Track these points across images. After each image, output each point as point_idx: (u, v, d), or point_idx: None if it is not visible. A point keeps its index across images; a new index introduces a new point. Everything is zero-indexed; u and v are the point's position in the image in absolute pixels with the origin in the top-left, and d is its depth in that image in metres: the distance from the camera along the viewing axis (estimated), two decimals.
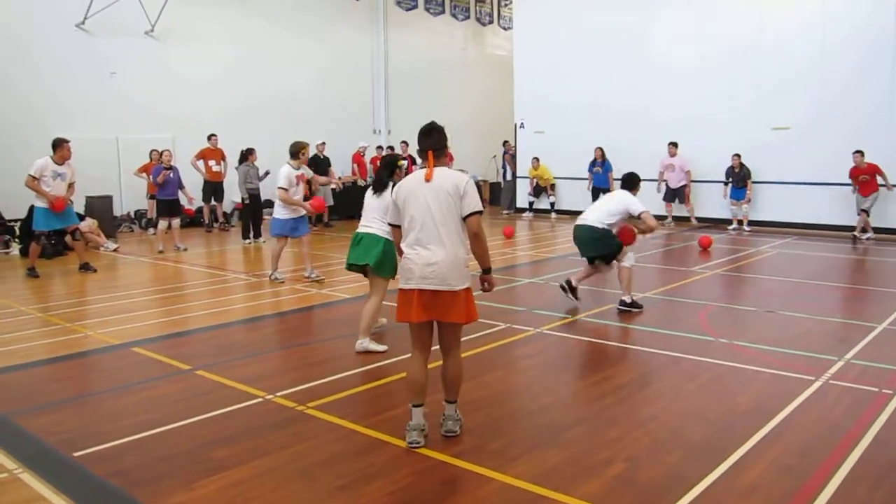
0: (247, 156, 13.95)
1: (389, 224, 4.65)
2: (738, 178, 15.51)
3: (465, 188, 4.28)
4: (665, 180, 16.64)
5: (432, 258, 4.19)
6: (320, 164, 15.82)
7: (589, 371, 5.86)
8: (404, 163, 6.46)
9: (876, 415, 4.72)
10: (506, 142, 20.90)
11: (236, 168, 14.20)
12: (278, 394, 5.20)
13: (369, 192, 6.48)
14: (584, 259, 8.25)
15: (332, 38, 19.82)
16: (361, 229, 6.41)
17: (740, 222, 15.79)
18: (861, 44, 14.38)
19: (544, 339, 6.78)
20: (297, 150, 9.54)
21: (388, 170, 6.36)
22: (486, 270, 4.44)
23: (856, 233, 13.95)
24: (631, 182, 7.98)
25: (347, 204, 16.69)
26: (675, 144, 16.43)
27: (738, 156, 15.42)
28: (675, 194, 16.67)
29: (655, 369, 5.84)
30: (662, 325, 7.28)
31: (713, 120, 16.21)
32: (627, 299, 7.87)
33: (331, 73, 19.65)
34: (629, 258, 7.89)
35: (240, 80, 17.55)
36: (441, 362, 4.46)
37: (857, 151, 13.85)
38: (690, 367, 5.89)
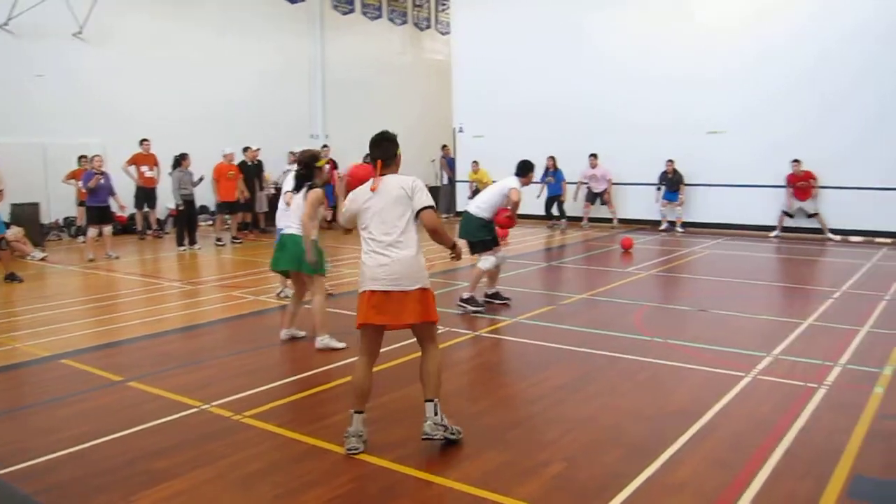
0: (180, 161, 13.68)
1: (342, 224, 4.64)
2: (672, 183, 15.96)
3: (412, 186, 4.39)
4: (588, 185, 17.20)
5: (383, 260, 4.27)
6: (249, 171, 15.56)
7: (527, 373, 5.92)
8: (324, 161, 6.50)
9: (802, 408, 4.89)
10: (444, 146, 20.98)
11: (170, 174, 13.92)
12: (214, 403, 5.11)
13: (291, 192, 6.52)
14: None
15: (268, 42, 19.59)
16: (285, 231, 6.45)
17: (672, 223, 16.21)
18: (794, 52, 14.87)
19: (483, 343, 6.83)
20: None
21: (307, 168, 6.40)
22: (452, 246, 4.62)
23: (827, 234, 14.56)
24: (523, 168, 8.18)
25: None
26: (595, 156, 16.89)
27: (672, 161, 15.87)
28: (597, 196, 17.18)
29: (593, 370, 5.93)
30: (599, 325, 7.40)
31: (650, 121, 16.53)
32: (466, 295, 8.05)
33: (267, 78, 19.42)
34: (488, 261, 8.06)
35: (173, 83, 17.21)
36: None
37: (795, 160, 14.45)
38: (626, 366, 6.00)
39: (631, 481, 3.82)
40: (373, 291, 4.27)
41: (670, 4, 16.51)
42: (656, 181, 16.35)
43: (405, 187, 4.37)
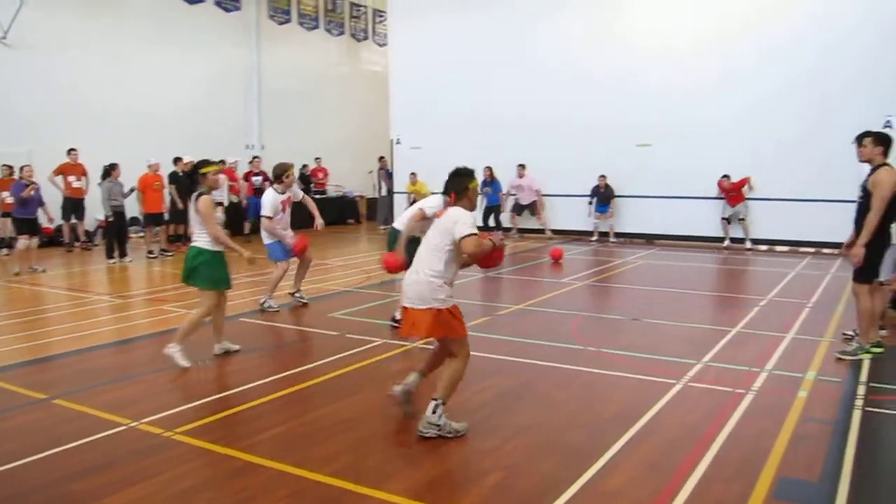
0: (110, 171, 13.31)
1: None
2: (603, 198, 16.31)
3: (455, 216, 4.66)
4: (516, 197, 17.56)
5: (408, 279, 4.77)
6: (181, 182, 15.21)
7: (465, 384, 5.90)
8: (213, 168, 6.44)
9: (730, 413, 5.03)
10: (381, 158, 20.94)
11: (99, 184, 13.53)
12: (144, 420, 4.97)
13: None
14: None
15: (202, 52, 19.25)
16: (193, 243, 6.49)
17: (603, 234, 16.54)
18: (709, 66, 15.37)
19: (420, 354, 6.80)
20: (281, 173, 8.66)
21: (193, 175, 6.52)
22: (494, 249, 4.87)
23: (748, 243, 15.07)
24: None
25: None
26: (523, 166, 17.33)
27: (604, 177, 16.22)
28: (525, 208, 17.51)
29: (530, 379, 5.98)
30: (535, 335, 7.48)
31: (583, 132, 16.78)
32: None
33: (202, 87, 19.08)
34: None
35: (103, 91, 16.75)
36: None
37: (724, 176, 15.02)
38: (563, 375, 6.07)
39: (568, 488, 3.87)
40: (405, 306, 4.76)
41: (601, 20, 16.85)
42: (588, 194, 16.61)
43: (451, 215, 4.71)
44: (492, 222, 17.54)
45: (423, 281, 4.64)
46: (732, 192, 15.08)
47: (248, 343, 6.83)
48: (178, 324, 8.11)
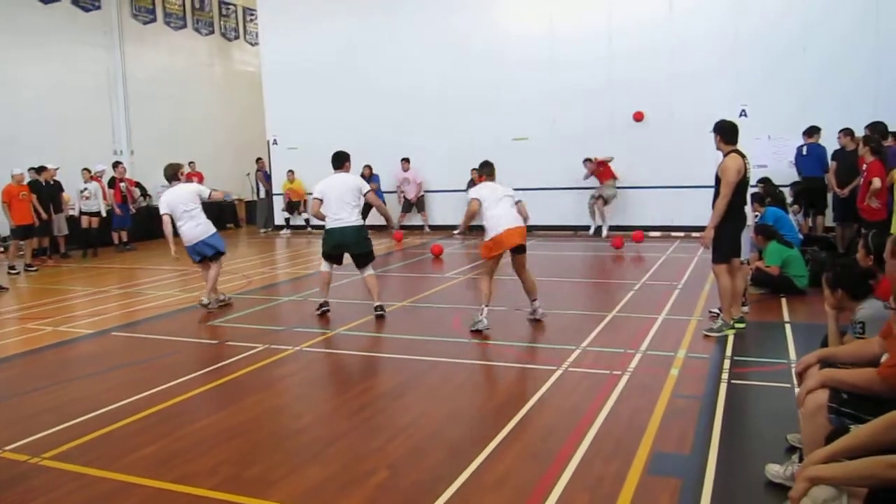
0: None
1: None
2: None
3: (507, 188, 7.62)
4: (403, 192, 17.67)
5: (511, 221, 7.39)
6: (43, 192, 14.37)
7: (349, 384, 5.89)
8: None
9: (608, 395, 5.20)
10: (259, 159, 20.49)
11: None
12: (7, 448, 4.65)
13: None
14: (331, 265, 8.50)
15: (61, 54, 18.11)
16: None
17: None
18: (582, 59, 15.88)
19: (304, 357, 6.71)
20: (174, 173, 9.16)
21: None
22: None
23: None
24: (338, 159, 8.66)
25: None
26: (407, 160, 17.47)
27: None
28: (412, 205, 17.64)
29: (413, 376, 5.99)
30: (419, 331, 7.51)
31: (459, 129, 16.97)
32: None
33: (63, 91, 17.96)
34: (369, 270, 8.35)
35: None
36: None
37: (587, 159, 15.38)
38: (446, 369, 6.12)
39: (452, 483, 3.89)
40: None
41: (474, 18, 17.09)
42: (465, 188, 16.71)
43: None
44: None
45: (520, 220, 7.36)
46: (600, 168, 15.34)
47: (121, 358, 6.50)
48: (45, 342, 7.68)
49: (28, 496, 3.97)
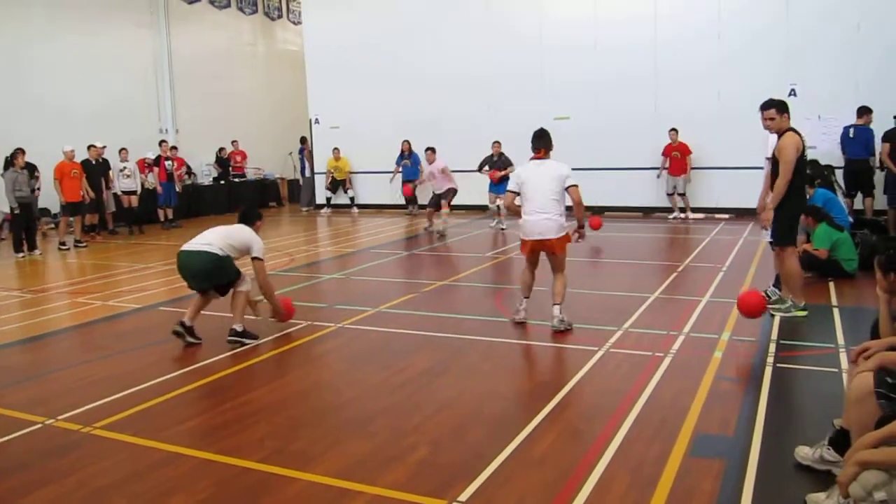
0: (12, 160, 12.70)
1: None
2: (500, 166, 14.62)
3: (565, 169, 6.60)
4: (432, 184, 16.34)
5: (537, 219, 6.54)
6: (92, 170, 14.67)
7: (391, 361, 5.92)
8: None
9: (650, 376, 5.17)
10: (303, 138, 20.63)
11: (1, 175, 12.91)
12: (60, 417, 4.80)
13: None
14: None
15: (107, 34, 18.40)
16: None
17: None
18: (629, 42, 15.63)
19: (346, 334, 6.78)
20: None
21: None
22: (581, 225, 6.85)
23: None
24: (249, 217, 6.89)
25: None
26: (433, 150, 14.50)
27: (498, 143, 14.93)
28: (440, 198, 14.56)
29: (454, 353, 6.02)
30: (459, 310, 7.53)
31: (502, 113, 16.82)
32: (239, 328, 6.50)
33: (109, 71, 18.23)
34: (246, 283, 6.71)
35: (2, 79, 15.89)
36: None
37: (673, 129, 14.90)
38: (487, 348, 6.13)
39: (493, 460, 3.91)
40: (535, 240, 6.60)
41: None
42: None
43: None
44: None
45: (554, 219, 6.49)
46: (675, 153, 14.95)
47: (167, 333, 6.62)
48: (95, 316, 7.87)
49: (81, 464, 4.09)
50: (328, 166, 19.16)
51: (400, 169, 17.44)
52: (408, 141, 17.31)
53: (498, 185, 14.09)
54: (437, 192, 13.84)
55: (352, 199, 19.11)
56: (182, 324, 6.45)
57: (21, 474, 3.98)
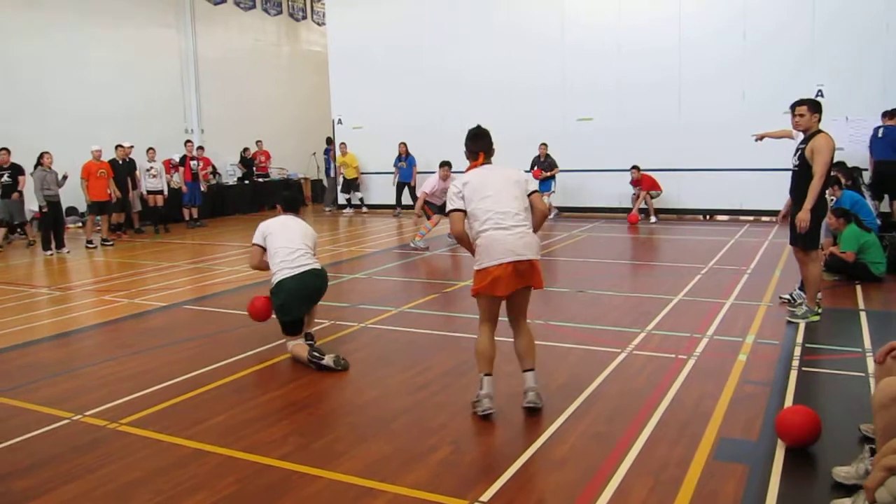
0: (40, 160, 12.89)
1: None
2: (546, 166, 15.86)
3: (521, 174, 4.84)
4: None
5: (513, 236, 4.52)
6: (119, 169, 14.85)
7: (414, 361, 5.94)
8: None
9: (673, 379, 5.14)
10: (329, 139, 20.76)
11: (31, 174, 13.11)
12: (87, 413, 4.87)
13: None
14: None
15: (133, 35, 18.60)
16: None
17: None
18: (653, 45, 15.56)
19: (369, 334, 6.81)
20: None
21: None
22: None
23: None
24: (299, 204, 6.84)
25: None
26: (448, 165, 12.40)
27: (545, 145, 15.87)
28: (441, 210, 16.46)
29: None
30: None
31: (523, 117, 16.80)
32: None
33: (135, 71, 18.47)
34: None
35: (23, 77, 16.09)
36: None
37: (634, 167, 15.22)
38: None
39: (515, 460, 3.91)
40: (507, 263, 4.49)
41: (541, 2, 16.87)
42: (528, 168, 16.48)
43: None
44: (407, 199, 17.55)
45: (531, 234, 4.62)
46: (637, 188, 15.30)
47: (192, 331, 6.71)
48: (122, 313, 7.97)
49: (107, 460, 4.15)
50: (337, 162, 19.29)
51: (397, 170, 17.82)
52: (404, 143, 17.59)
53: (541, 183, 14.91)
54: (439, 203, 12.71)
55: (361, 199, 19.22)
56: (311, 346, 5.94)
57: (49, 469, 4.04)
